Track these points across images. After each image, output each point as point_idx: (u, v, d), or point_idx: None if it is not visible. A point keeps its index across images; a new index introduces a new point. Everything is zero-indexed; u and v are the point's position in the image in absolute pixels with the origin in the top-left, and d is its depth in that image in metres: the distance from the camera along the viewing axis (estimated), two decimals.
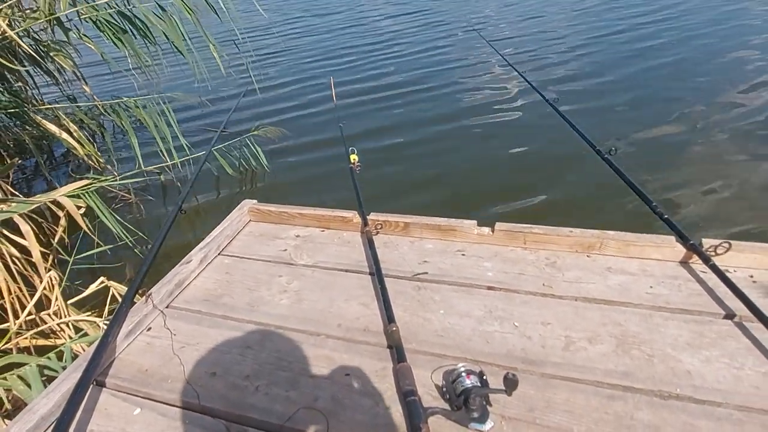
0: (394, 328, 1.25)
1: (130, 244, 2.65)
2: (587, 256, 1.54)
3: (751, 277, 1.37)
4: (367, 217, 1.75)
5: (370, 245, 1.60)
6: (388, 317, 1.29)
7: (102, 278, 2.01)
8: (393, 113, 5.00)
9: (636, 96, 4.69)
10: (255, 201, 1.95)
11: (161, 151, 3.81)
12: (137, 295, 1.42)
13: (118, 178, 3.44)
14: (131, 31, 3.77)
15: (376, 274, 1.46)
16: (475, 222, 1.67)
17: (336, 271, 1.58)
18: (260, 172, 4.12)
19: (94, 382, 1.20)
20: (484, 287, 1.46)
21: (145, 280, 1.45)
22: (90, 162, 4.01)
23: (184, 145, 3.89)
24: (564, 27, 7.78)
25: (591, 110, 4.45)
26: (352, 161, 2.22)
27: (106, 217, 2.51)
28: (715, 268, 1.33)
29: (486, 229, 1.66)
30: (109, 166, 4.06)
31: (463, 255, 1.61)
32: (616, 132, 3.97)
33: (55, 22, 3.52)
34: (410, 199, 3.37)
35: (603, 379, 1.13)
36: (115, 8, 3.72)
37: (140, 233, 2.79)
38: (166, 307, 1.45)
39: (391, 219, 1.74)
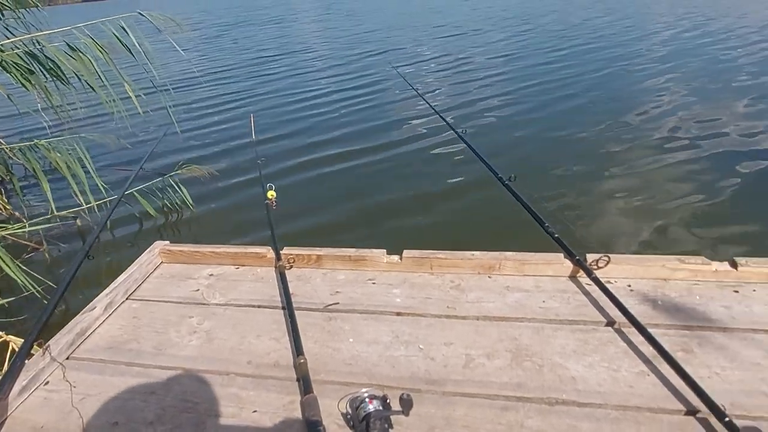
0: (302, 360, 1.27)
1: (39, 295, 2.52)
2: (488, 276, 1.63)
3: (629, 286, 1.50)
4: (281, 251, 1.78)
5: (282, 280, 1.62)
6: (297, 350, 1.31)
7: (0, 333, 1.91)
8: (310, 149, 5.08)
9: (540, 128, 5.03)
10: (167, 242, 1.93)
11: (76, 194, 3.67)
12: (36, 347, 1.37)
13: (27, 225, 3.28)
14: (41, 72, 3.65)
15: (287, 307, 1.49)
16: (384, 251, 1.74)
17: (249, 308, 1.59)
18: (184, 212, 4.05)
19: None
20: (392, 313, 1.51)
21: (44, 331, 1.40)
22: None
23: (101, 188, 3.77)
24: (475, 65, 8.22)
25: (496, 141, 4.73)
26: (270, 197, 2.26)
27: (9, 267, 2.38)
28: (597, 281, 1.45)
29: (395, 257, 1.73)
30: (17, 213, 3.86)
31: (373, 283, 1.66)
32: (518, 160, 4.24)
33: None
34: (326, 231, 3.42)
35: (498, 392, 1.20)
36: (22, 48, 3.60)
37: (51, 283, 2.66)
38: (66, 358, 1.40)
39: (304, 252, 1.78)
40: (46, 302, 2.63)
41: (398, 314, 1.51)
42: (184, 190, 4.05)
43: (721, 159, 4.03)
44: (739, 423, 1.00)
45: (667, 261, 1.51)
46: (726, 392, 1.12)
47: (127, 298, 1.67)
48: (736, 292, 1.43)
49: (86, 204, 3.73)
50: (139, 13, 3.84)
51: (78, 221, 3.92)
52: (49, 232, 3.71)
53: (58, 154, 3.72)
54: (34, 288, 2.48)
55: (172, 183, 4.03)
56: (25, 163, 3.89)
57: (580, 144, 4.54)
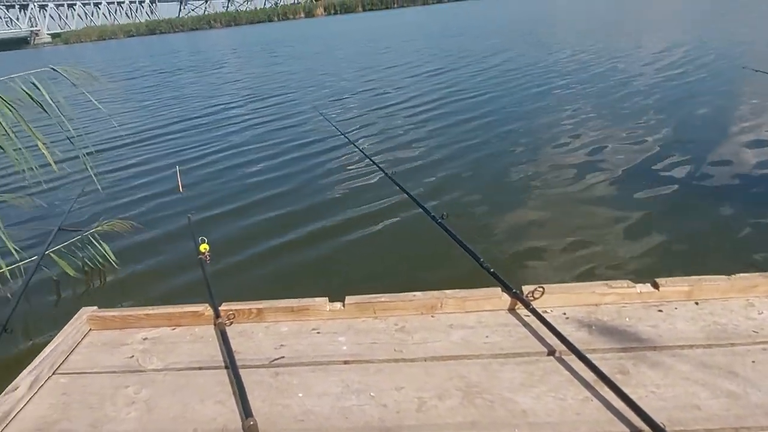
0: (252, 423, 1.23)
1: None
2: (431, 316, 1.66)
3: (564, 314, 1.58)
4: (219, 308, 1.73)
5: (223, 337, 1.57)
6: (245, 411, 1.27)
7: None
8: (241, 196, 4.99)
9: (466, 165, 5.23)
10: (95, 307, 1.82)
11: None
12: None
13: None
14: None
15: (231, 367, 1.44)
16: (326, 299, 1.73)
17: (190, 371, 1.52)
18: (110, 272, 3.81)
19: None
20: (340, 362, 1.50)
21: None
22: None
23: (13, 252, 3.50)
24: (399, 107, 8.39)
25: (425, 181, 4.86)
26: (203, 251, 2.20)
27: None
28: (534, 312, 1.52)
29: (338, 305, 1.72)
30: None
31: (318, 333, 1.64)
32: (448, 198, 4.38)
33: None
34: (264, 282, 3.33)
35: None
36: None
37: None
38: None
39: (243, 307, 1.73)
40: None
41: (346, 362, 1.49)
42: (106, 247, 3.84)
43: (639, 182, 4.30)
44: None
45: (596, 287, 1.61)
46: (663, 409, 1.19)
47: (54, 373, 1.55)
48: (660, 311, 1.54)
49: None
50: (52, 68, 3.70)
51: None
52: None
53: None
54: None
55: (95, 242, 3.81)
56: None
57: (505, 178, 4.73)
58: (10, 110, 3.46)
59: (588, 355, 1.32)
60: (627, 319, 1.52)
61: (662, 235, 3.40)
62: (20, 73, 3.59)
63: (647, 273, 2.40)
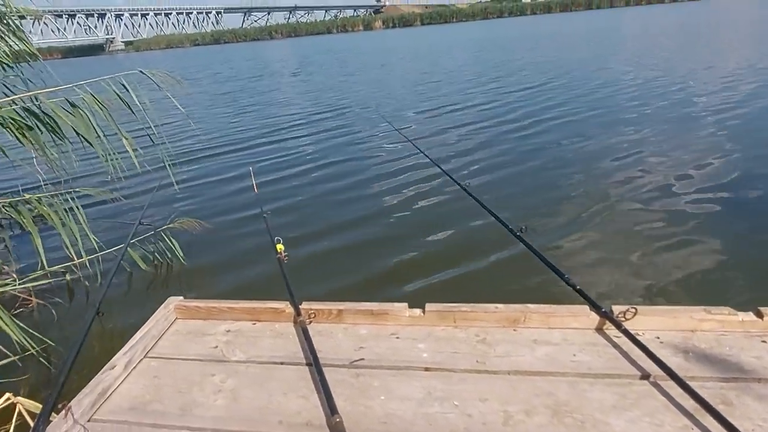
0: (338, 420, 1.23)
1: (36, 353, 2.41)
2: (513, 329, 1.62)
3: (658, 338, 1.51)
4: (300, 306, 1.75)
5: (305, 335, 1.59)
6: (330, 408, 1.28)
7: (8, 394, 1.80)
8: (316, 200, 5.12)
9: (541, 178, 5.13)
10: (181, 298, 1.89)
11: (68, 249, 3.59)
12: (53, 412, 1.30)
13: (17, 281, 3.19)
14: (37, 127, 3.64)
15: (314, 364, 1.45)
16: (405, 305, 1.72)
17: (272, 365, 1.55)
18: (177, 266, 3.97)
19: None
20: (421, 369, 1.48)
21: (62, 392, 1.34)
22: None
23: (94, 242, 3.70)
24: (472, 118, 8.42)
25: (501, 193, 4.80)
26: (279, 251, 2.25)
27: (7, 325, 2.29)
28: (627, 333, 1.46)
29: (417, 311, 1.71)
30: (6, 267, 3.74)
31: (397, 338, 1.64)
32: (526, 211, 4.29)
33: None
34: (341, 282, 3.37)
35: None
36: (20, 104, 3.61)
37: (47, 340, 2.56)
38: (88, 420, 1.34)
39: (323, 307, 1.75)
40: (41, 359, 2.55)
41: (426, 369, 1.48)
42: (176, 244, 4.00)
43: (732, 205, 4.09)
44: None
45: (693, 312, 1.52)
46: None
47: (145, 356, 1.62)
48: (764, 342, 1.45)
49: (78, 258, 3.65)
50: (141, 72, 3.92)
51: (67, 276, 3.82)
52: (38, 288, 3.60)
53: (51, 209, 3.67)
54: (32, 346, 2.37)
55: (170, 237, 3.98)
56: (16, 217, 3.81)
57: (587, 195, 4.58)
58: (102, 110, 3.68)
59: (688, 382, 1.26)
60: (728, 348, 1.43)
61: (760, 263, 3.19)
62: (110, 75, 3.82)
63: (743, 301, 2.25)
